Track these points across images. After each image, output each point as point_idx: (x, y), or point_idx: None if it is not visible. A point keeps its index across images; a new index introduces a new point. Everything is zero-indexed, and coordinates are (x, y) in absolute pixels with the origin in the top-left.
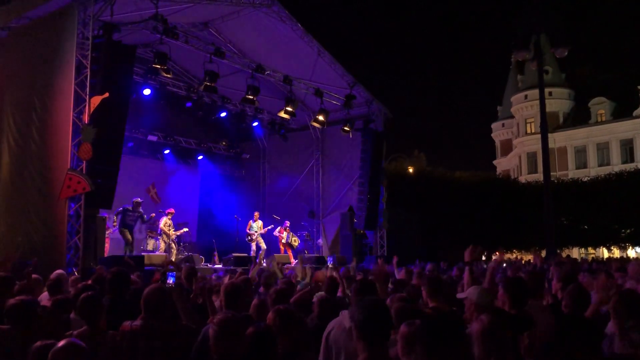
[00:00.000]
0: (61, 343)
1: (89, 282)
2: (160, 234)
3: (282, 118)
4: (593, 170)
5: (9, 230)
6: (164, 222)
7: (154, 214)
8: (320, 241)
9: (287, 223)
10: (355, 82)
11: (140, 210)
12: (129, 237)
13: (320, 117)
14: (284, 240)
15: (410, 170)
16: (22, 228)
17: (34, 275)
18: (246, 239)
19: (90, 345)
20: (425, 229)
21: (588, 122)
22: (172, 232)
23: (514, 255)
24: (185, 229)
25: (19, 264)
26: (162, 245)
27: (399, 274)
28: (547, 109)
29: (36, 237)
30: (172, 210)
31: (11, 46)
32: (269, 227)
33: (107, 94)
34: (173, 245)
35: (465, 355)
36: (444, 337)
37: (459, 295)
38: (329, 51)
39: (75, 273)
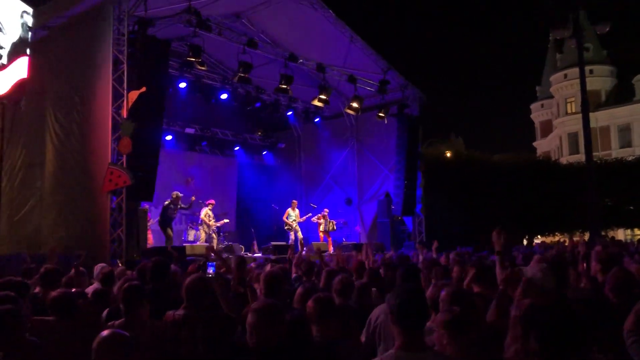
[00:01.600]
0: (104, 333)
1: (132, 273)
2: (200, 224)
3: (316, 106)
4: (638, 149)
5: (53, 224)
6: (205, 212)
7: (194, 197)
8: (358, 228)
9: (326, 210)
10: (389, 67)
11: (180, 203)
12: (170, 232)
13: (355, 104)
14: (322, 228)
15: (448, 154)
16: (66, 222)
17: (100, 265)
18: (284, 228)
19: (132, 334)
20: (464, 214)
21: (632, 99)
22: (213, 223)
23: (557, 239)
24: (226, 220)
25: (64, 257)
26: (203, 236)
27: (440, 259)
28: (588, 88)
29: (79, 230)
30: (213, 202)
31: (51, 44)
32: (307, 216)
33: (144, 89)
34: (214, 235)
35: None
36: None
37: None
38: (362, 37)
39: (119, 265)
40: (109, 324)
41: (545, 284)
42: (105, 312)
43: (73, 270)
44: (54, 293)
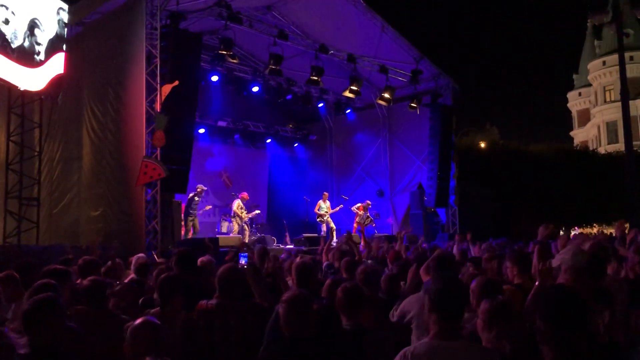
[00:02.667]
0: (138, 321)
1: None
2: (233, 217)
3: (348, 97)
4: None
5: (91, 216)
6: (237, 204)
7: (209, 206)
8: (390, 220)
9: (368, 202)
10: (421, 57)
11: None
12: (190, 224)
13: (386, 95)
14: (358, 219)
15: (482, 144)
16: (103, 214)
17: (137, 256)
18: (317, 219)
19: (165, 323)
20: (499, 205)
21: None
22: (245, 215)
23: (595, 230)
24: (257, 211)
25: (102, 248)
26: (236, 227)
27: (474, 250)
28: (628, 75)
29: (116, 222)
30: (246, 195)
31: (86, 40)
32: (339, 207)
33: (176, 82)
34: (246, 227)
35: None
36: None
37: (554, 261)
38: (393, 26)
39: (155, 256)
40: (145, 312)
41: (576, 264)
42: (140, 302)
43: (110, 262)
44: (85, 282)
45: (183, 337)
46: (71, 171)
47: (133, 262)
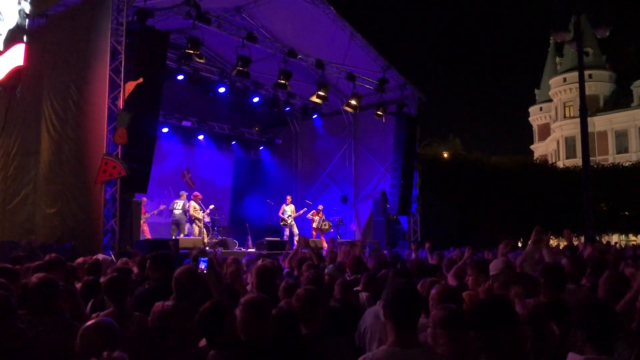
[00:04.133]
0: (91, 322)
1: (122, 264)
2: (192, 220)
3: (315, 103)
4: (635, 155)
5: (47, 213)
6: (192, 207)
7: (163, 206)
8: (353, 226)
9: (320, 207)
10: (388, 66)
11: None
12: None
13: (353, 102)
14: (315, 225)
15: (445, 155)
16: (60, 211)
17: (100, 256)
18: (280, 223)
19: (119, 324)
20: (460, 215)
21: (630, 105)
22: (201, 215)
23: (553, 243)
24: (212, 206)
25: (57, 246)
26: (196, 230)
27: (432, 260)
28: (587, 92)
29: (73, 220)
30: (199, 194)
31: (49, 33)
32: (303, 211)
33: (141, 80)
34: (204, 230)
35: (516, 337)
36: (501, 317)
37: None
38: (362, 34)
39: (112, 256)
40: (93, 315)
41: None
42: (91, 302)
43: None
44: (34, 280)
45: (137, 338)
46: (28, 166)
47: (86, 261)
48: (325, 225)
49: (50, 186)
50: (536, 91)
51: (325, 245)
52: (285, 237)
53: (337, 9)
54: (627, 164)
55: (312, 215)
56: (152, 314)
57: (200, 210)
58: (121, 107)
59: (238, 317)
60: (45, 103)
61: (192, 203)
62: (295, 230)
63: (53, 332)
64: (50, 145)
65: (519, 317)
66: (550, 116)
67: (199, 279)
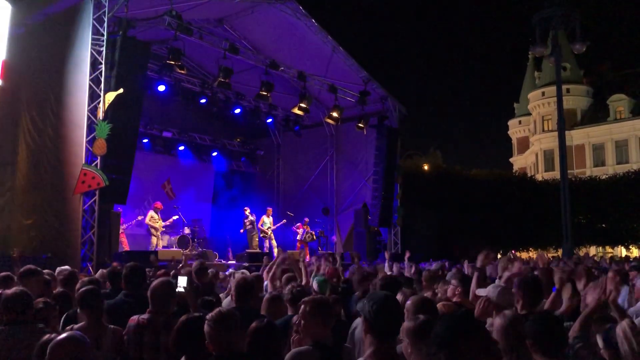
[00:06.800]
0: (62, 336)
1: (95, 276)
2: (148, 229)
3: (296, 114)
4: (611, 168)
5: (24, 224)
6: (149, 216)
7: (176, 216)
8: (334, 238)
9: (306, 220)
10: (369, 79)
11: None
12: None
13: (335, 114)
14: (299, 237)
15: (426, 167)
16: (37, 222)
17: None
18: (260, 235)
19: (91, 339)
20: (440, 227)
21: (606, 119)
22: (160, 225)
23: (529, 254)
24: (175, 216)
25: (33, 258)
26: (153, 240)
27: (409, 271)
28: (565, 106)
29: (50, 232)
30: (159, 204)
31: (28, 42)
32: (282, 222)
33: (121, 90)
34: (160, 238)
35: (487, 351)
36: (463, 332)
37: (479, 292)
38: (344, 47)
39: (90, 268)
40: (67, 327)
41: (501, 303)
42: (64, 316)
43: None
44: (8, 292)
45: (111, 353)
46: (4, 177)
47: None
48: (308, 237)
49: (28, 197)
50: (515, 105)
51: (308, 257)
52: (265, 248)
53: (319, 22)
54: (604, 177)
55: (297, 227)
56: (128, 328)
57: (159, 220)
58: (101, 118)
59: (206, 332)
60: (23, 112)
61: (151, 212)
62: (274, 242)
63: (29, 342)
64: (28, 156)
65: (488, 332)
66: (529, 129)
67: (176, 291)
